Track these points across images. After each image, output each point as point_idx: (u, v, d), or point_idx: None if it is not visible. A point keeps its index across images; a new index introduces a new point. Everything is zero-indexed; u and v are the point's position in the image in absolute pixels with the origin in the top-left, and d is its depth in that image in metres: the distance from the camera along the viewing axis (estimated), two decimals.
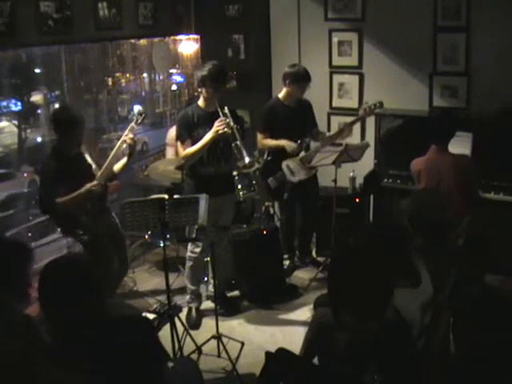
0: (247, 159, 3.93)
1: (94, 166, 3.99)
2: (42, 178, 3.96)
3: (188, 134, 4.04)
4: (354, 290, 2.10)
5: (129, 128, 4.00)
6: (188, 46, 6.18)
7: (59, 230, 4.11)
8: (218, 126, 3.90)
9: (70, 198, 3.77)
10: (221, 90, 4.02)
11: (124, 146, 3.96)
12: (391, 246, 2.50)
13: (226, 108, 4.00)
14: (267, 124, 4.70)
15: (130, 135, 3.93)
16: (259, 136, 4.74)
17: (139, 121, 4.05)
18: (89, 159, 3.99)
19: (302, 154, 4.64)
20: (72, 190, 3.78)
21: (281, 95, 4.69)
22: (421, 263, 2.58)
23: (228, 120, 3.93)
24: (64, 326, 2.14)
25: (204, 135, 3.97)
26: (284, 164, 4.65)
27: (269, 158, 4.73)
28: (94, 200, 3.91)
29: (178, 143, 4.11)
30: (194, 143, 4.02)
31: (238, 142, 3.92)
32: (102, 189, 3.93)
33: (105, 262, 3.90)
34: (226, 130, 3.89)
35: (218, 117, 3.95)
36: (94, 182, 3.87)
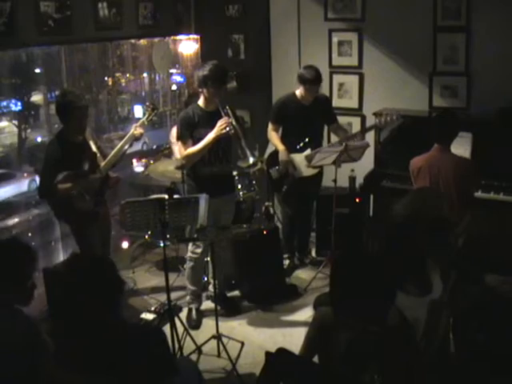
0: (251, 159, 3.94)
1: (98, 155, 3.97)
2: (43, 162, 3.91)
3: (189, 134, 4.04)
4: (356, 293, 2.10)
5: (139, 122, 4.03)
6: (188, 45, 6.18)
7: (54, 214, 4.09)
8: (220, 126, 3.90)
9: (70, 186, 3.74)
10: (222, 90, 4.02)
11: (132, 138, 3.99)
12: (402, 249, 2.49)
13: (227, 107, 4.00)
14: (277, 116, 4.74)
15: (141, 129, 3.96)
16: (269, 126, 4.78)
17: (151, 117, 4.07)
18: (93, 147, 3.96)
19: (308, 151, 4.66)
20: (73, 176, 3.74)
21: (297, 92, 4.70)
22: (435, 267, 2.57)
23: (231, 119, 3.93)
24: (75, 326, 2.14)
25: (205, 135, 3.96)
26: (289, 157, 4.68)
27: (275, 149, 4.75)
28: (93, 192, 3.88)
29: (180, 143, 4.10)
30: (195, 143, 4.02)
31: (242, 142, 3.92)
32: (103, 181, 3.93)
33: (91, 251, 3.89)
34: (228, 129, 3.89)
35: (219, 116, 3.94)
36: (97, 175, 3.87)
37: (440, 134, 3.85)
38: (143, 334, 2.26)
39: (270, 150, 4.93)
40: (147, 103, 4.22)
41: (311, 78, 4.53)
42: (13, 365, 2.18)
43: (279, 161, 4.69)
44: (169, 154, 5.49)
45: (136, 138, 4.03)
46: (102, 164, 3.92)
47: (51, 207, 4.02)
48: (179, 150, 4.18)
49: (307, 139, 4.66)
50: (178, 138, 4.11)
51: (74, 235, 4.00)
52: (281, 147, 4.68)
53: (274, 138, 4.76)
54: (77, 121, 3.79)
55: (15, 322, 2.31)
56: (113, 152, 3.96)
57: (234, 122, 3.91)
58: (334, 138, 4.97)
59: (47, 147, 3.92)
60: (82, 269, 2.20)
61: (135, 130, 4.00)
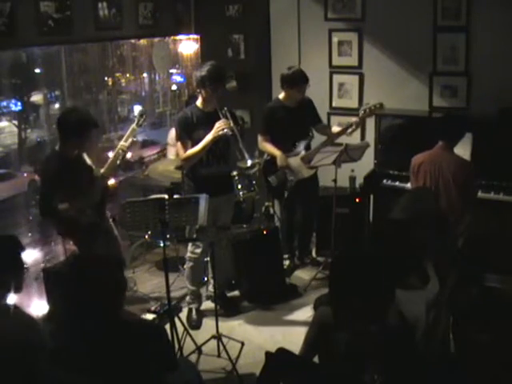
0: (249, 161, 3.95)
1: (94, 167, 3.94)
2: (41, 181, 3.86)
3: (188, 135, 4.04)
4: (356, 293, 2.10)
5: (130, 130, 3.98)
6: (188, 45, 6.18)
7: (57, 232, 4.07)
8: (218, 127, 3.90)
9: (70, 206, 3.67)
10: (220, 90, 4.02)
11: (120, 152, 3.94)
12: (400, 244, 2.49)
13: (225, 109, 4.00)
14: (267, 126, 4.70)
15: (125, 143, 3.92)
16: (260, 138, 4.73)
17: (140, 122, 4.03)
18: (88, 160, 3.92)
19: (303, 153, 4.65)
20: (73, 193, 3.69)
21: (281, 96, 4.69)
22: (430, 264, 2.57)
23: (229, 121, 3.93)
24: (75, 326, 2.15)
25: (204, 136, 3.97)
26: None
27: (269, 157, 4.74)
28: (94, 205, 3.85)
29: (178, 144, 4.11)
30: (193, 144, 4.02)
31: (240, 144, 3.92)
32: (103, 192, 3.89)
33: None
34: (226, 131, 3.89)
35: (217, 117, 3.95)
36: (96, 188, 3.83)
37: (448, 133, 3.85)
38: (144, 332, 2.26)
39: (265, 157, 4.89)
40: (139, 107, 4.19)
41: (299, 78, 4.53)
42: (12, 364, 2.18)
43: (278, 166, 4.66)
44: (163, 155, 5.50)
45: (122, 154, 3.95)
46: (99, 174, 3.88)
47: (55, 229, 3.98)
48: (178, 152, 4.19)
49: (296, 143, 4.65)
50: (177, 139, 4.12)
51: (80, 251, 3.91)
52: (277, 153, 4.63)
53: (268, 147, 4.70)
54: (82, 140, 3.71)
55: (12, 320, 2.32)
56: (106, 165, 3.91)
57: (232, 124, 3.92)
58: (322, 138, 4.89)
59: (45, 164, 3.83)
60: (83, 268, 2.20)
61: (121, 145, 3.93)
